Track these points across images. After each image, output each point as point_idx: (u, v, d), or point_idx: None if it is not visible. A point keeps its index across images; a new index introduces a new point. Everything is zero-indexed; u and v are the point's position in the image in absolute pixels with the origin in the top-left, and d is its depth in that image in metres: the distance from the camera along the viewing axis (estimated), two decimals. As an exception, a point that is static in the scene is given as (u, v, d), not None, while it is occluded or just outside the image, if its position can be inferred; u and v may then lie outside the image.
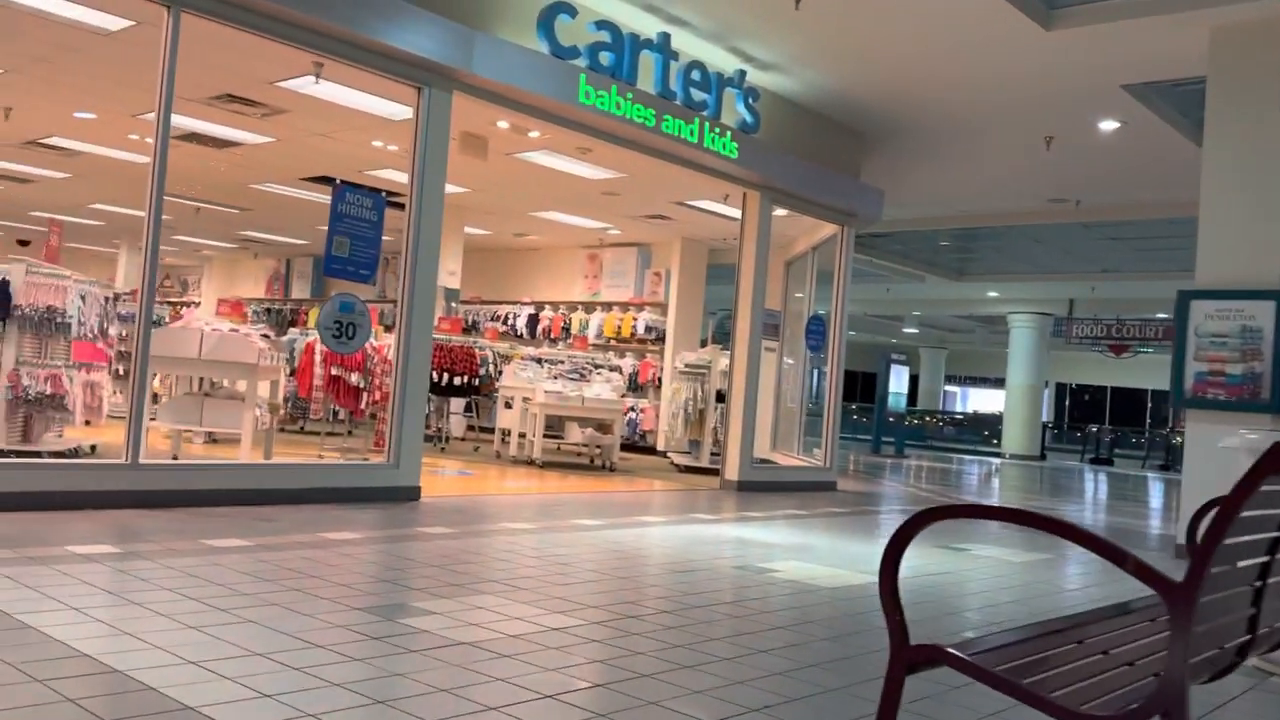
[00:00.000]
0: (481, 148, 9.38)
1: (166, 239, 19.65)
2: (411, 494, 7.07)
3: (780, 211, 10.89)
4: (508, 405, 11.54)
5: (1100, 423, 36.72)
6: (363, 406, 9.52)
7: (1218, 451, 7.35)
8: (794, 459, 12.22)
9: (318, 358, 9.55)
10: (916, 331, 35.49)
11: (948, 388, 42.20)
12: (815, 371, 13.26)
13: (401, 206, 7.22)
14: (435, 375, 11.46)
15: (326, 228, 6.73)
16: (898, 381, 21.36)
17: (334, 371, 9.34)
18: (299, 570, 4.40)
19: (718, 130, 8.86)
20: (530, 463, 10.80)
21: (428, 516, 6.44)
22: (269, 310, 19.34)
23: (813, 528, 7.58)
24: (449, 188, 12.10)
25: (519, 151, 9.82)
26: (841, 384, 11.29)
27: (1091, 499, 13.88)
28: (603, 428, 11.24)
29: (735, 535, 6.84)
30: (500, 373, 12.09)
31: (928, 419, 32.51)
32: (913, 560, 6.26)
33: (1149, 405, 41.42)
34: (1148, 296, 24.09)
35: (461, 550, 5.26)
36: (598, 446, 11.41)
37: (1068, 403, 42.86)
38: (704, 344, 14.07)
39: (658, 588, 4.76)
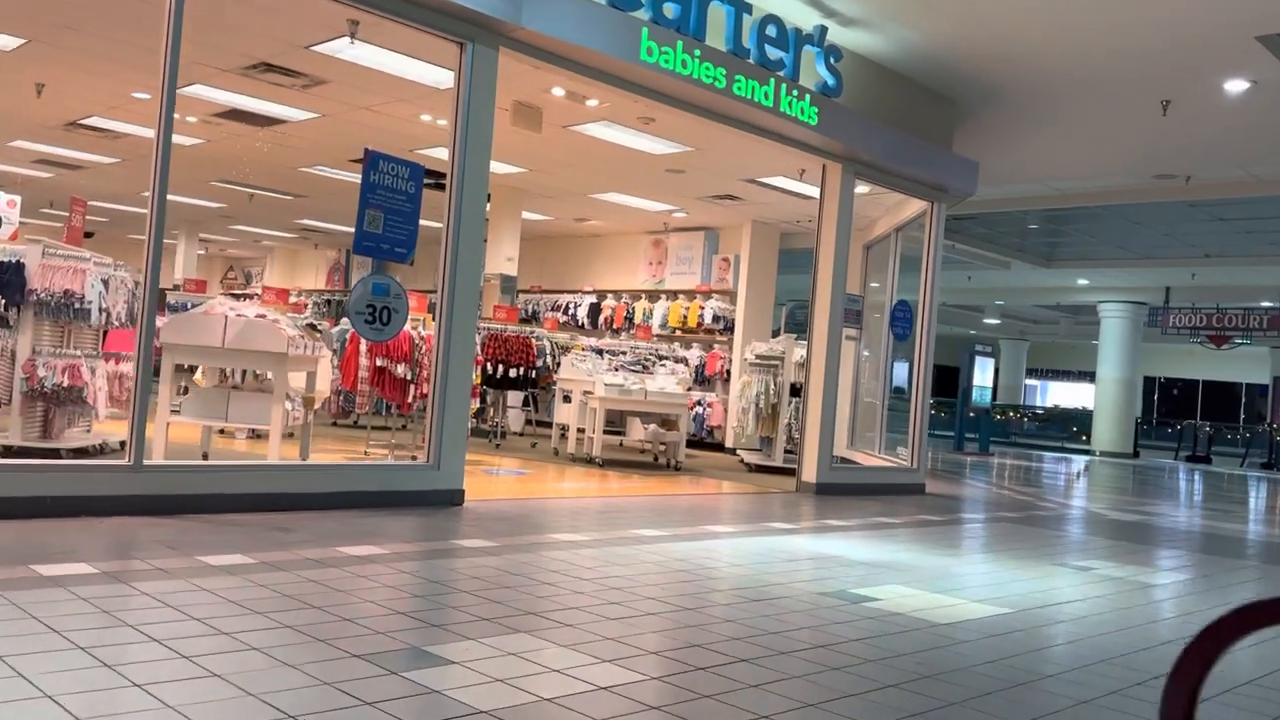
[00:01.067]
0: (535, 119, 8.61)
1: (224, 229, 19.39)
2: (453, 498, 6.33)
3: (862, 189, 9.96)
4: (566, 399, 10.79)
5: (1191, 418, 34.80)
6: (410, 400, 8.85)
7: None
8: (875, 458, 11.27)
9: (362, 348, 8.90)
10: (997, 323, 33.97)
11: (1027, 381, 40.52)
12: (895, 363, 12.27)
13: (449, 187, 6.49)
14: (490, 367, 10.77)
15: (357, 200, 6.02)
16: (982, 374, 20.14)
17: (378, 363, 8.68)
18: (300, 598, 3.66)
19: (795, 93, 7.96)
20: (590, 461, 10.03)
21: (468, 525, 5.69)
22: (329, 301, 18.91)
23: (906, 540, 6.66)
24: (504, 168, 11.42)
25: (576, 124, 9.04)
26: (931, 376, 10.30)
27: (1217, 506, 12.63)
28: (667, 424, 10.42)
29: (818, 549, 5.96)
30: (559, 364, 11.34)
31: (1011, 414, 31.10)
32: (1031, 585, 5.33)
33: (1243, 400, 39.28)
34: (1251, 283, 22.45)
35: (500, 570, 4.49)
36: (662, 444, 10.60)
37: (1156, 397, 40.87)
38: (776, 334, 13.16)
39: (731, 623, 3.92)
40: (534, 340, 11.17)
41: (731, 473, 10.49)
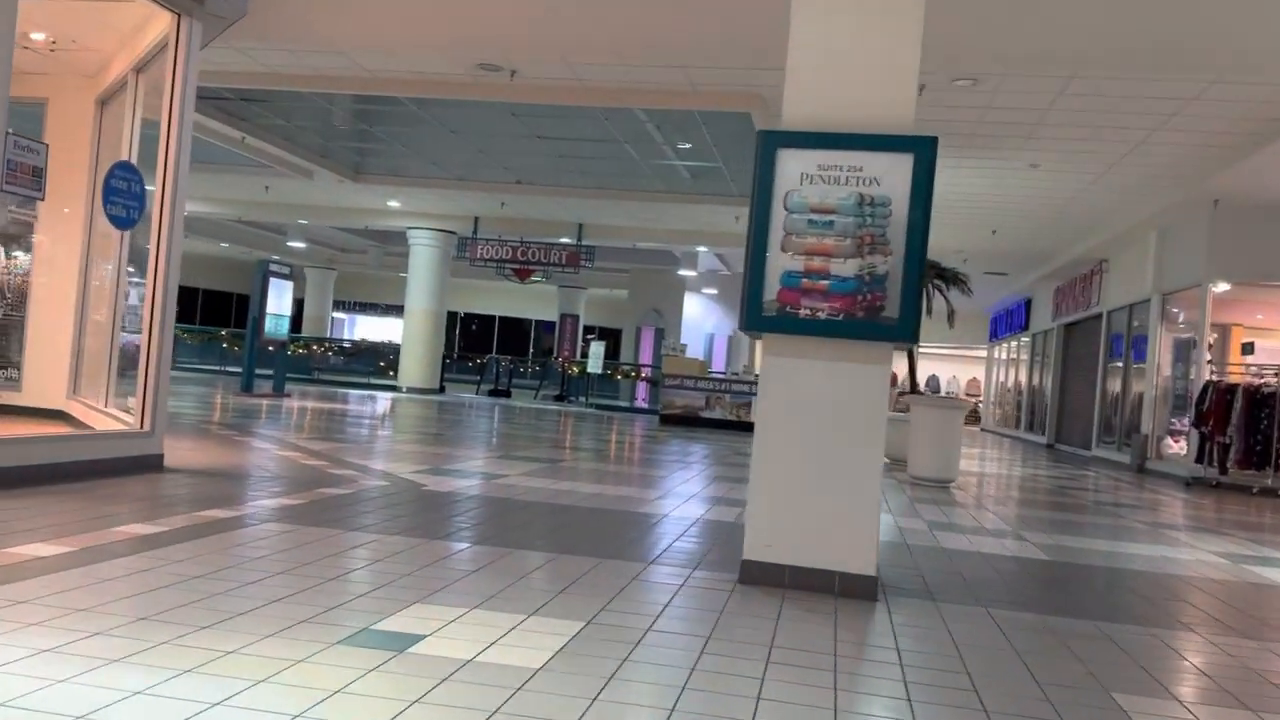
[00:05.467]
0: None
1: None
2: None
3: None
4: None
5: (488, 352, 35.82)
6: None
7: (806, 410, 4.46)
8: (101, 415, 7.39)
9: None
10: (303, 247, 30.88)
11: (335, 314, 38.37)
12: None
13: None
14: None
15: None
16: (279, 301, 16.80)
17: None
18: None
19: None
20: None
21: None
22: None
23: (89, 614, 3.12)
24: None
25: None
26: (175, 285, 6.67)
27: (541, 456, 11.02)
28: None
29: None
30: None
31: (315, 348, 28.32)
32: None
33: (532, 335, 42.10)
34: (554, 218, 22.59)
35: None
36: None
37: (458, 332, 41.77)
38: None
39: None
40: None
41: None
